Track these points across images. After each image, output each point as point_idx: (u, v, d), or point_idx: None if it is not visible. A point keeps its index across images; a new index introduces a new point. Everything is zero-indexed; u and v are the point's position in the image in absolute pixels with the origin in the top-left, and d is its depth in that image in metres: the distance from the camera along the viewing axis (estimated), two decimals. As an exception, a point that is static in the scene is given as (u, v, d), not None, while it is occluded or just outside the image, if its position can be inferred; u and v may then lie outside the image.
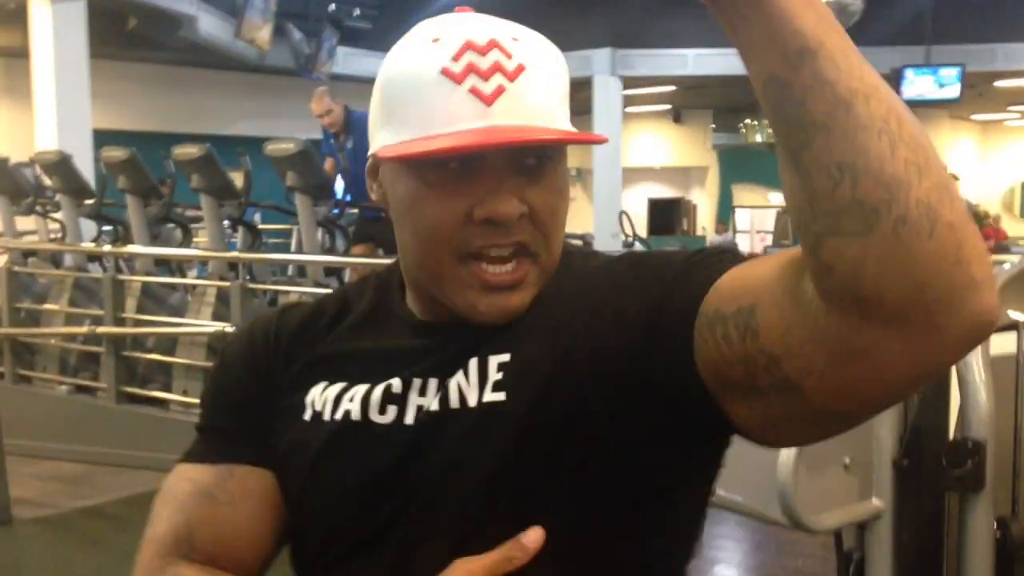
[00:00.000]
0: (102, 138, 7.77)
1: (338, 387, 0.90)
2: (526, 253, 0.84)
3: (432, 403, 0.85)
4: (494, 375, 0.83)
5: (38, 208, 7.12)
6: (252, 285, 5.45)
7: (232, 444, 0.92)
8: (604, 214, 13.70)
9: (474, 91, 0.80)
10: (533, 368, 0.83)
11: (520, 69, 0.81)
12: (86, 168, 7.09)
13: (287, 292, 5.53)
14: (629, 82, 15.26)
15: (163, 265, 6.23)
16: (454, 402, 0.84)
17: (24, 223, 7.46)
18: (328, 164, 6.15)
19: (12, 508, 4.46)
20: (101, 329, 5.79)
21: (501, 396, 0.82)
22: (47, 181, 6.83)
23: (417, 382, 0.87)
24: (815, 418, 0.73)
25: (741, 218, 21.76)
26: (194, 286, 5.97)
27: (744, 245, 19.71)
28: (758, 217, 22.13)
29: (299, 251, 6.22)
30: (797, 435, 0.81)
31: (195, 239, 6.76)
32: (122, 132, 10.99)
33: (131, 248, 6.09)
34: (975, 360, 1.53)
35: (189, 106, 14.04)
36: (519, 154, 0.82)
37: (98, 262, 6.55)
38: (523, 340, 0.85)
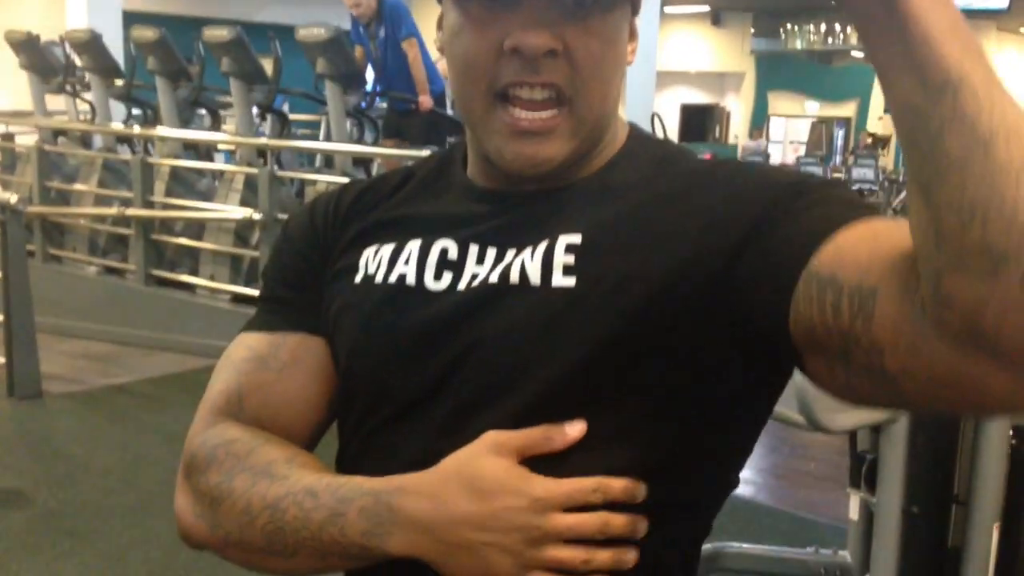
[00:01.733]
0: (131, 19, 7.68)
1: (390, 247, 0.90)
2: (560, 100, 0.82)
3: (492, 275, 0.84)
4: (562, 256, 0.82)
5: (68, 87, 7.10)
6: (280, 173, 5.45)
7: (288, 313, 0.94)
8: (635, 117, 13.45)
9: None
10: (607, 258, 0.81)
11: None
12: (116, 50, 7.03)
13: (315, 181, 5.53)
14: (668, -19, 14.87)
15: (191, 150, 6.23)
16: (514, 278, 0.82)
17: (54, 103, 7.45)
18: (358, 52, 6.06)
19: (43, 383, 4.58)
20: (130, 211, 5.84)
21: (571, 282, 0.81)
22: (77, 60, 6.80)
23: (474, 249, 0.86)
24: (900, 402, 0.71)
25: (776, 127, 21.42)
26: (222, 172, 5.97)
27: (777, 155, 19.46)
28: (793, 126, 21.80)
29: (328, 141, 6.18)
30: (874, 402, 0.77)
31: (223, 127, 6.74)
32: (151, 14, 10.84)
33: (160, 130, 6.09)
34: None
35: (219, -10, 13.84)
36: None
37: (127, 144, 6.56)
38: (596, 223, 0.83)
